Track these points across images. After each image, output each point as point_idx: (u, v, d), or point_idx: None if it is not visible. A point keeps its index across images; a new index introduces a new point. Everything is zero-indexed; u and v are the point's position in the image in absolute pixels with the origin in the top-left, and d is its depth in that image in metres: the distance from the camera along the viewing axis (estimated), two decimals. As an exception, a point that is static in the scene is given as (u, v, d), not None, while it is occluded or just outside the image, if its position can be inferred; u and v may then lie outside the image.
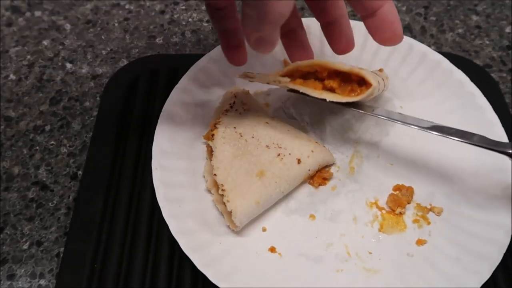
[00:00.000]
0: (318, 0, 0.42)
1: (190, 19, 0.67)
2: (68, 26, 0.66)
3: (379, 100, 0.52)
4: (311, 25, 0.48)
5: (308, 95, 0.42)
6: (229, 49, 0.45)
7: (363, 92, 0.39)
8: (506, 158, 0.42)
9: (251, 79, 0.45)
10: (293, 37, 0.46)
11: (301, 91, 0.42)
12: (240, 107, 0.50)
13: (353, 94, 0.40)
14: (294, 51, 0.46)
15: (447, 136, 0.41)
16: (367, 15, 0.38)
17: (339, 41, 0.43)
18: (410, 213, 0.45)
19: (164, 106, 0.50)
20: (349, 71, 0.40)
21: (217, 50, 0.54)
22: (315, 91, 0.41)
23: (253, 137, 0.46)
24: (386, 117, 0.43)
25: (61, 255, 0.45)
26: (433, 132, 0.42)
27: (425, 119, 0.49)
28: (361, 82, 0.41)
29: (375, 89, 0.40)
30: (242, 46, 0.45)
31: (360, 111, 0.43)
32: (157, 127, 0.48)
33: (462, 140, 0.41)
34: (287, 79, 0.42)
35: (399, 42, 0.39)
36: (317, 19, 0.43)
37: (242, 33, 0.41)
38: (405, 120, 0.43)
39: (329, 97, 0.40)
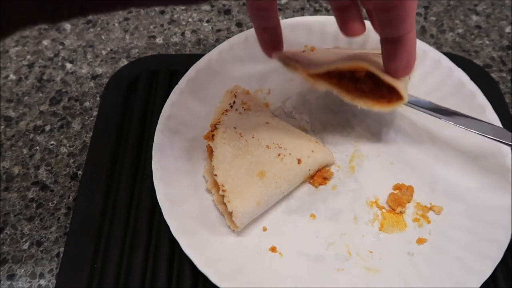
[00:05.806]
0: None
1: (190, 19, 0.67)
2: (68, 26, 0.66)
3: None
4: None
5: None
6: (267, 47, 0.44)
7: (393, 104, 0.41)
8: (506, 148, 0.45)
9: (286, 67, 0.44)
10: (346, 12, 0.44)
11: (334, 93, 0.43)
12: (240, 106, 0.50)
13: (382, 100, 0.42)
14: (348, 25, 0.44)
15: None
16: (392, 38, 0.37)
17: (400, 59, 0.38)
18: (410, 212, 0.45)
19: (164, 106, 0.50)
20: (387, 81, 0.39)
21: (217, 50, 0.54)
22: (348, 97, 0.42)
23: (253, 137, 0.46)
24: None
25: (61, 255, 0.45)
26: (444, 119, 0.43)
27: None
28: (390, 88, 0.40)
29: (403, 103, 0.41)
30: (280, 42, 0.44)
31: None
32: (157, 127, 0.48)
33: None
34: (323, 86, 0.42)
35: (408, 73, 0.39)
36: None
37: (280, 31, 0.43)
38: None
39: (361, 104, 0.42)
